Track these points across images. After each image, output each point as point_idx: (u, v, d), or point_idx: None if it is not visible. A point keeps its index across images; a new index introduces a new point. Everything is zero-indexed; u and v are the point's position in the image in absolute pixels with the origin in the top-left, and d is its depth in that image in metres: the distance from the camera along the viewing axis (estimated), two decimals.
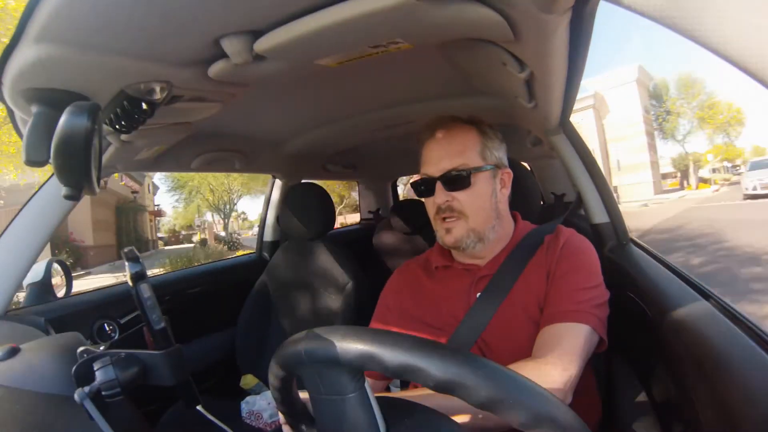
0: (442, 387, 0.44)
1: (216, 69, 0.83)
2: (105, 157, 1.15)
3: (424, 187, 0.99)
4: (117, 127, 0.89)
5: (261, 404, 1.50)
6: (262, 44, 0.74)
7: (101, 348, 0.62)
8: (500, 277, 0.96)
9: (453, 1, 0.67)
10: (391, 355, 0.46)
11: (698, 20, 0.31)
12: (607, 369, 1.14)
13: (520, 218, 1.08)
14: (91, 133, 0.60)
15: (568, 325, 0.85)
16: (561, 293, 0.90)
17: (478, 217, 0.97)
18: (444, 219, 0.98)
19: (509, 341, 0.90)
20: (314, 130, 1.66)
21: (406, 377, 0.46)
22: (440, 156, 0.98)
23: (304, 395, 0.59)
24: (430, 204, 0.99)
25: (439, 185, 0.96)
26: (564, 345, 0.82)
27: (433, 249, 1.13)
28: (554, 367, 0.77)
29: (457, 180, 0.96)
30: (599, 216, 1.45)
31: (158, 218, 35.41)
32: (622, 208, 1.50)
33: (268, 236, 2.27)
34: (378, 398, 0.54)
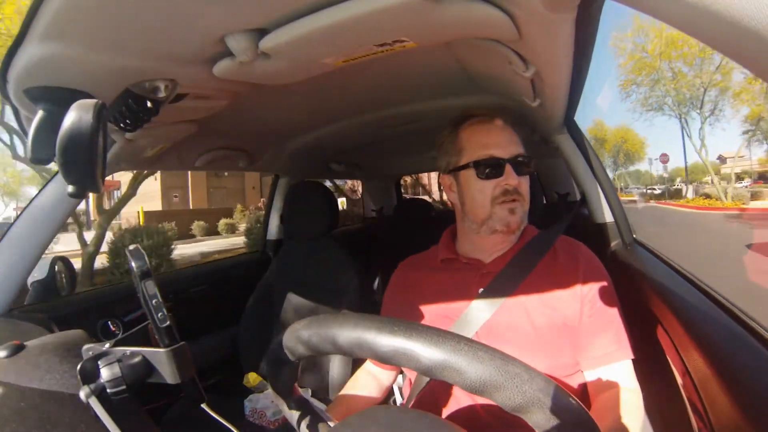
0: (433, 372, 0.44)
1: (221, 67, 0.83)
2: (109, 155, 1.16)
3: (490, 169, 0.98)
4: (122, 125, 0.89)
5: (264, 402, 1.50)
6: (268, 42, 0.74)
7: (106, 346, 0.62)
8: (505, 276, 0.96)
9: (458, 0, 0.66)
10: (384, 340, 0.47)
11: (704, 20, 0.31)
12: None
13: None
14: (96, 131, 0.60)
15: (623, 364, 0.90)
16: (608, 332, 0.92)
17: (528, 202, 1.01)
18: (504, 201, 0.97)
19: (506, 340, 0.90)
20: (319, 128, 1.66)
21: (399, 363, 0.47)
22: (507, 141, 0.99)
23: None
24: (492, 186, 0.97)
25: (509, 168, 0.97)
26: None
27: (439, 244, 1.13)
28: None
29: (526, 165, 0.99)
30: (603, 216, 1.45)
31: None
32: None
33: (271, 235, 2.27)
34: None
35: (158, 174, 18.36)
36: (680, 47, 21.88)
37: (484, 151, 0.98)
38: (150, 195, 20.33)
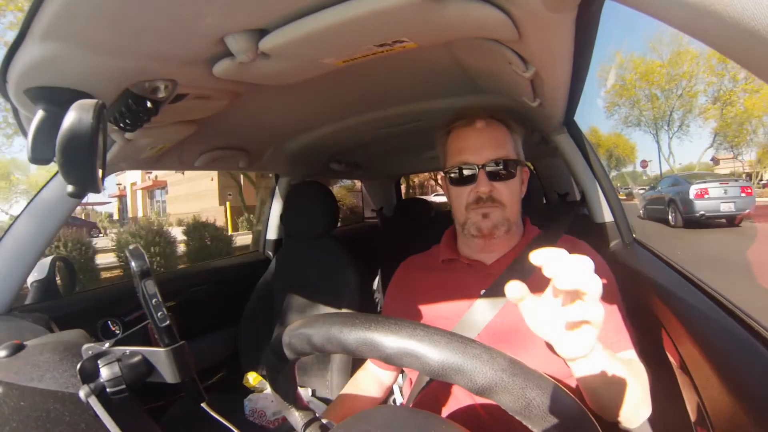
0: (439, 374, 0.44)
1: (221, 67, 0.83)
2: (109, 156, 1.16)
3: (464, 175, 0.98)
4: (122, 125, 0.89)
5: (264, 402, 1.51)
6: (267, 43, 0.74)
7: (106, 345, 0.62)
8: (507, 277, 0.96)
9: (458, 0, 0.66)
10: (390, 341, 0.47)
11: (704, 20, 0.31)
12: None
13: (529, 222, 1.09)
14: (96, 131, 0.60)
15: (626, 354, 0.88)
16: (608, 324, 0.89)
17: (513, 207, 0.99)
18: (478, 207, 0.97)
19: (509, 342, 0.90)
20: (319, 128, 1.66)
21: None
22: (483, 145, 0.98)
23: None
24: (466, 192, 0.98)
25: (482, 174, 0.96)
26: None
27: (440, 244, 1.13)
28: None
29: (503, 170, 0.97)
30: (603, 215, 1.45)
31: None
32: None
33: (271, 235, 2.27)
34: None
35: (215, 175, 20.01)
36: (652, 78, 28.86)
37: (459, 157, 0.98)
38: (204, 194, 21.89)
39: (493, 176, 0.96)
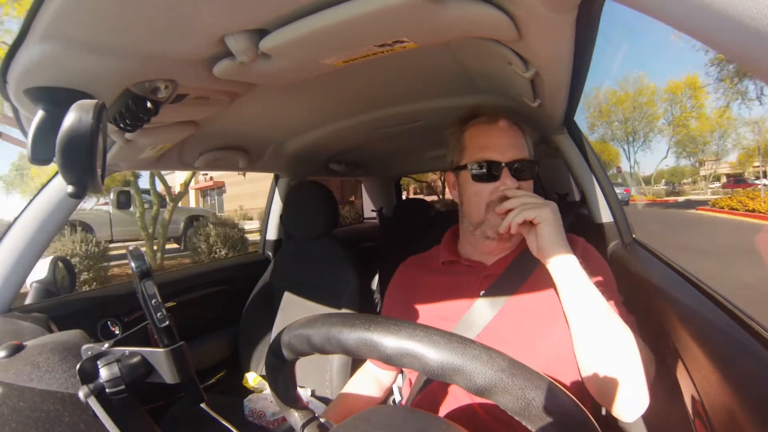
0: (437, 374, 0.44)
1: (221, 67, 0.82)
2: (109, 156, 1.16)
3: (487, 172, 0.96)
4: (122, 125, 0.89)
5: (263, 402, 1.50)
6: (268, 43, 0.74)
7: (105, 346, 0.62)
8: (507, 278, 0.96)
9: (458, 0, 0.66)
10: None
11: (704, 20, 0.31)
12: None
13: None
14: (96, 131, 0.60)
15: None
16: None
17: None
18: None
19: (509, 342, 0.90)
20: (319, 128, 1.66)
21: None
22: (507, 144, 0.97)
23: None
24: (488, 190, 0.96)
25: (506, 172, 0.95)
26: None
27: (440, 245, 1.13)
28: None
29: (526, 170, 0.97)
30: (603, 216, 1.45)
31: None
32: None
33: (271, 235, 2.27)
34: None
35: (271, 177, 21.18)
36: (622, 105, 39.07)
37: (482, 154, 0.97)
38: (260, 193, 22.79)
39: (519, 175, 0.96)
